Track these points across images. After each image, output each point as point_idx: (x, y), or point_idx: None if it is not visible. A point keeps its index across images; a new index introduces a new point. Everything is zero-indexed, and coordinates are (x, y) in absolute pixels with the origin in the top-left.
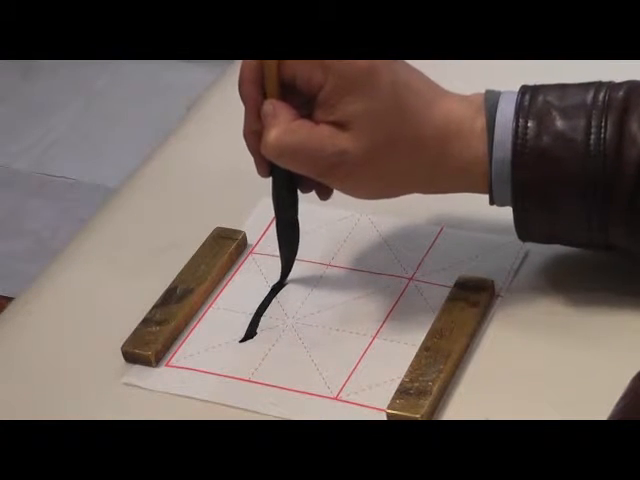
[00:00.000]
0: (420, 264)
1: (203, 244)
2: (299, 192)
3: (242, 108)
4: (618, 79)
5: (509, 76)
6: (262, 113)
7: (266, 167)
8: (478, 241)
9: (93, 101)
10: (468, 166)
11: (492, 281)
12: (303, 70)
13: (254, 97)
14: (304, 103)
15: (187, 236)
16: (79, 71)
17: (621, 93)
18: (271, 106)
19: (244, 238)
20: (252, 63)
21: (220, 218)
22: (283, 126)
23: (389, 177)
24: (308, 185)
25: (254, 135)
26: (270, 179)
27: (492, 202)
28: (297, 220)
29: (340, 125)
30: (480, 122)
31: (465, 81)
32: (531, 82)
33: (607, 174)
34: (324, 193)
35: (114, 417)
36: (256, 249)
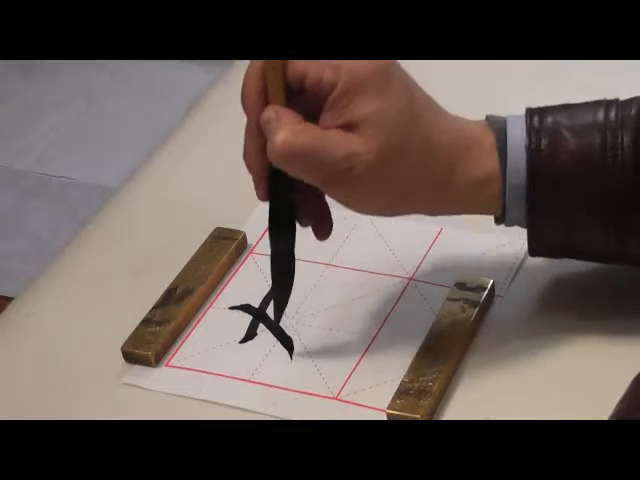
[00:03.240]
0: (420, 264)
1: (203, 244)
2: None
3: (242, 108)
4: (614, 80)
5: (508, 76)
6: (262, 121)
7: (266, 189)
8: (478, 241)
9: (93, 101)
10: (478, 184)
11: (492, 281)
12: (313, 70)
13: (259, 110)
14: (308, 114)
15: (187, 236)
16: (79, 71)
17: (633, 111)
18: (273, 112)
19: (244, 238)
20: (257, 71)
21: (220, 218)
22: (290, 128)
23: (397, 188)
24: (308, 217)
25: (256, 152)
26: None
27: (500, 223)
28: (293, 254)
29: (350, 127)
30: (489, 140)
31: (466, 82)
32: (529, 83)
33: (627, 192)
34: (322, 231)
35: (114, 417)
36: (256, 249)
